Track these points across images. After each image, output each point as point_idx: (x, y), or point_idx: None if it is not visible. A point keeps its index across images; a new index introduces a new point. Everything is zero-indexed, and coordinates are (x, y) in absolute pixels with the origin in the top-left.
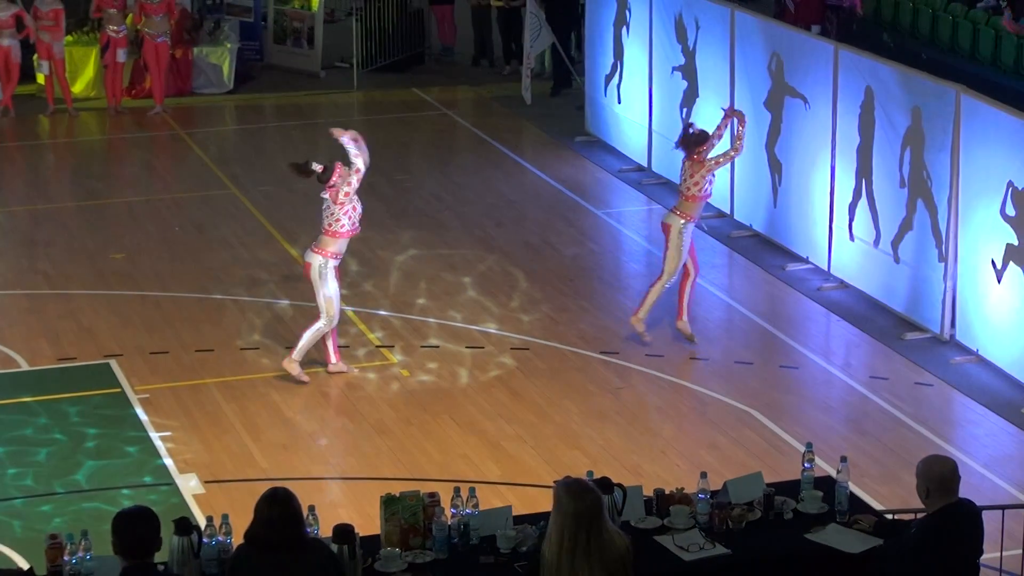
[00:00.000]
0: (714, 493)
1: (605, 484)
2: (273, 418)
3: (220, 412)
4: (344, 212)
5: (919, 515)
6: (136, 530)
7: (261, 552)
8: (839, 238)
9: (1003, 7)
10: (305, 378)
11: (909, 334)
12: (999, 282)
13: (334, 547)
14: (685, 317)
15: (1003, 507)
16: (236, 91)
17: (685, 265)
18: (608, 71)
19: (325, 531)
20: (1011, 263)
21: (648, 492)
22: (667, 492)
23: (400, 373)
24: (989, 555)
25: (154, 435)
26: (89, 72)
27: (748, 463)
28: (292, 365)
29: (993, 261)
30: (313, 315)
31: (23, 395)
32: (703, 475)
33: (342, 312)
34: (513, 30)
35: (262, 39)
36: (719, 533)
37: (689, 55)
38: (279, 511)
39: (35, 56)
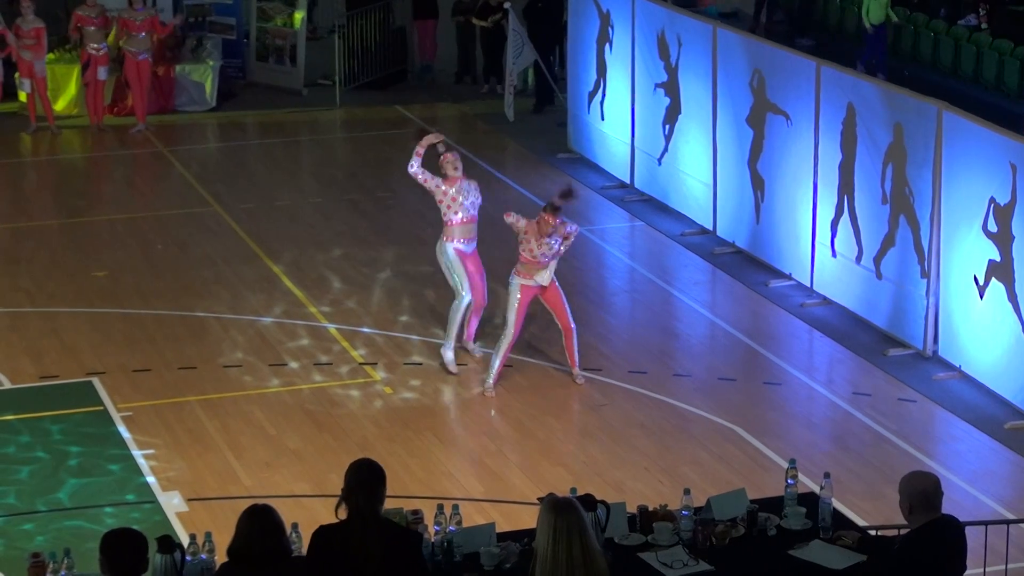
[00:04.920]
0: (697, 510)
1: (588, 501)
2: (256, 435)
3: (203, 430)
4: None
5: (902, 531)
6: (124, 551)
7: (244, 568)
8: (821, 254)
9: (981, 16)
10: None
11: (892, 350)
12: (981, 298)
13: None
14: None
15: (986, 523)
16: (218, 108)
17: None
18: (591, 88)
19: None
20: (993, 279)
21: (631, 509)
22: (650, 509)
23: (383, 390)
24: (972, 571)
25: (137, 453)
26: (71, 90)
27: (731, 480)
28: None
29: (975, 277)
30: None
31: (5, 413)
32: (686, 492)
33: (326, 329)
34: (496, 47)
35: (244, 57)
36: (703, 550)
37: (672, 72)
38: (259, 524)
39: (17, 74)
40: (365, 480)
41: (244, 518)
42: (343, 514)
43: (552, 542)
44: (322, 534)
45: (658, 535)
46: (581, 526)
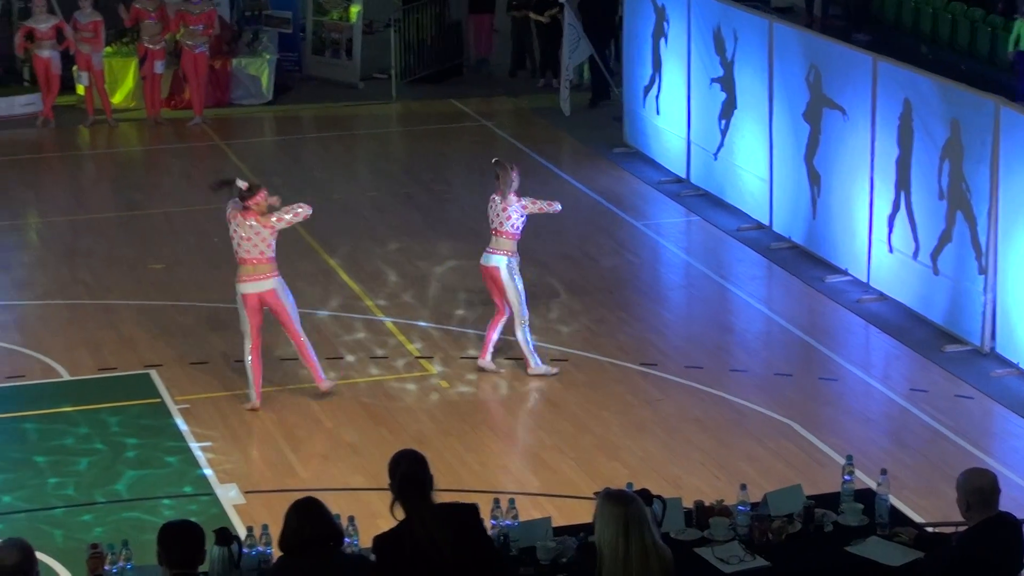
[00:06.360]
0: (754, 505)
1: (645, 496)
2: (312, 428)
3: (259, 422)
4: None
5: (960, 528)
6: (182, 542)
7: (299, 560)
8: (878, 250)
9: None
10: (554, 369)
11: (949, 346)
12: None
13: (373, 558)
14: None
15: None
16: (275, 102)
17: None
18: (646, 82)
19: (365, 541)
20: None
21: (688, 504)
22: (707, 504)
23: (439, 384)
24: None
25: (194, 445)
26: (128, 83)
27: (787, 475)
28: (537, 371)
29: None
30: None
31: (64, 405)
32: (743, 487)
33: (382, 323)
34: (553, 42)
35: (301, 50)
36: (759, 545)
37: (728, 67)
38: (306, 513)
39: (75, 67)
40: (409, 473)
41: (291, 512)
42: (399, 513)
43: (623, 533)
44: (389, 543)
45: (714, 530)
46: (646, 516)
